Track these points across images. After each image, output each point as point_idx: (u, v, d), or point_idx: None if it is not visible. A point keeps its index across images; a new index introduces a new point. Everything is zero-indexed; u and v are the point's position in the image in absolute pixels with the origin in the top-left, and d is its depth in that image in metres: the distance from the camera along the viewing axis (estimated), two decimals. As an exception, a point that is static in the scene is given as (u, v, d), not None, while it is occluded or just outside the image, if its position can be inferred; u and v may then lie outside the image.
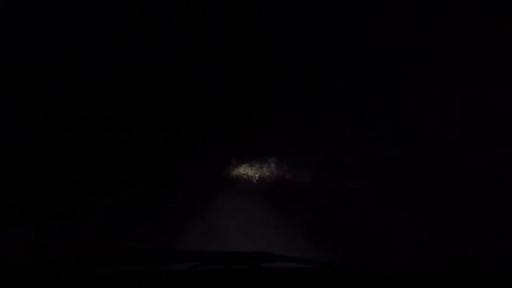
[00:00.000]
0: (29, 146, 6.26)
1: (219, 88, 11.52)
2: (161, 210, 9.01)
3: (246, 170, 20.38)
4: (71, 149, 7.15)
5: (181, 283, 1.11)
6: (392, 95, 10.44)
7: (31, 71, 6.08)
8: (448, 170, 7.86)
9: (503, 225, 4.66)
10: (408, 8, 6.70)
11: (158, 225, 6.87)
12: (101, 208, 7.33)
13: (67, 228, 5.83)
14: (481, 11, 5.80)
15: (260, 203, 9.68)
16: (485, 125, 6.90)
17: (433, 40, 6.94)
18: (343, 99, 12.37)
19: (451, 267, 1.09)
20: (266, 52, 9.83)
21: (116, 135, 8.80)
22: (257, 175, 19.57)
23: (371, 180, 10.72)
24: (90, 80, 7.30)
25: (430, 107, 8.52)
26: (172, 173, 12.61)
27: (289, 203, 8.96)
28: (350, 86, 11.28)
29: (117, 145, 8.82)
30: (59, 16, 6.13)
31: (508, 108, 6.40)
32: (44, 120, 6.54)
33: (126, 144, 9.26)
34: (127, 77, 8.11)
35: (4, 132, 5.81)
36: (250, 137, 18.34)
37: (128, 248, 1.24)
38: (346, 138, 14.55)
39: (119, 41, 7.28)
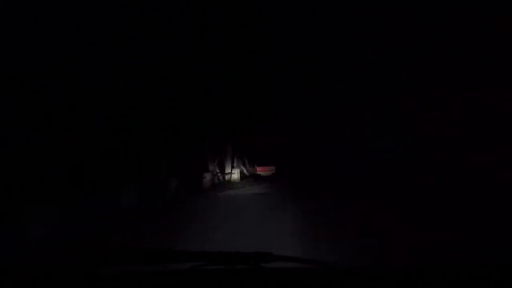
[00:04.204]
0: (30, 146, 6.26)
1: (219, 88, 11.54)
2: (161, 211, 9.03)
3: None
4: (71, 150, 7.15)
5: (181, 283, 1.11)
6: (392, 95, 10.42)
7: (31, 71, 6.08)
8: (448, 170, 7.84)
9: (503, 225, 4.67)
10: (408, 8, 6.70)
11: (159, 226, 6.87)
12: (101, 208, 7.34)
13: (68, 228, 5.84)
14: (481, 11, 5.80)
15: (260, 203, 9.68)
16: (485, 125, 6.89)
17: (433, 40, 6.94)
18: (343, 99, 12.37)
19: (451, 267, 1.09)
20: (266, 52, 9.84)
21: (117, 135, 8.81)
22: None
23: (371, 180, 10.72)
24: (90, 80, 7.30)
25: (430, 107, 8.51)
26: (172, 173, 12.63)
27: (289, 203, 8.96)
28: (350, 86, 11.27)
29: (117, 146, 8.83)
30: (59, 16, 6.12)
31: (508, 108, 6.39)
32: (44, 120, 6.54)
33: (126, 145, 9.27)
34: (127, 77, 8.11)
35: (4, 132, 5.81)
36: (250, 137, 18.30)
37: (128, 248, 1.24)
38: (346, 138, 14.52)
39: (119, 41, 7.28)
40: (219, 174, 16.62)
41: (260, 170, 19.40)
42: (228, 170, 17.63)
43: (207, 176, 15.14)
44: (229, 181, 17.12)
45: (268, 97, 13.44)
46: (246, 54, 9.78)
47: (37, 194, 5.97)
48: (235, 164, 18.42)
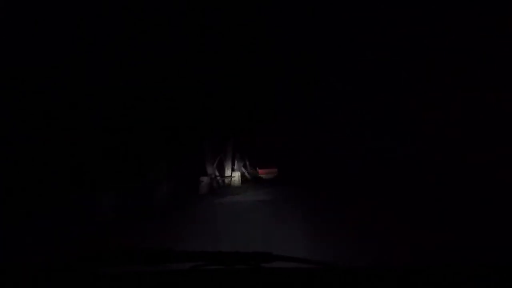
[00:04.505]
0: (30, 146, 6.26)
1: (219, 88, 11.54)
2: (161, 212, 9.03)
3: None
4: (71, 149, 7.15)
5: (181, 283, 1.12)
6: (392, 95, 10.42)
7: (31, 71, 6.08)
8: (448, 170, 7.84)
9: (503, 225, 4.67)
10: (408, 8, 6.69)
11: (159, 227, 6.88)
12: (101, 208, 7.34)
13: (68, 228, 5.84)
14: (481, 11, 5.80)
15: (260, 203, 9.68)
16: (485, 125, 6.89)
17: (433, 40, 6.94)
18: (343, 99, 12.36)
19: (451, 267, 1.09)
20: (266, 52, 9.84)
21: (117, 135, 8.81)
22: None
23: (371, 180, 10.72)
24: (90, 80, 7.30)
25: (430, 107, 8.50)
26: (172, 173, 12.63)
27: (289, 205, 8.96)
28: (350, 86, 11.27)
29: (117, 146, 8.83)
30: (59, 16, 6.12)
31: (508, 108, 6.38)
32: (44, 120, 6.54)
33: (126, 145, 9.27)
34: (127, 77, 8.11)
35: (4, 132, 5.81)
36: (250, 137, 18.25)
37: (128, 248, 1.25)
38: (346, 138, 14.52)
39: (119, 41, 7.27)
40: (219, 178, 15.71)
41: (262, 173, 18.26)
42: (228, 173, 16.65)
43: (207, 180, 14.36)
44: (230, 185, 16.00)
45: (268, 97, 13.43)
46: (246, 54, 9.77)
47: (37, 194, 5.97)
48: (235, 167, 17.38)
